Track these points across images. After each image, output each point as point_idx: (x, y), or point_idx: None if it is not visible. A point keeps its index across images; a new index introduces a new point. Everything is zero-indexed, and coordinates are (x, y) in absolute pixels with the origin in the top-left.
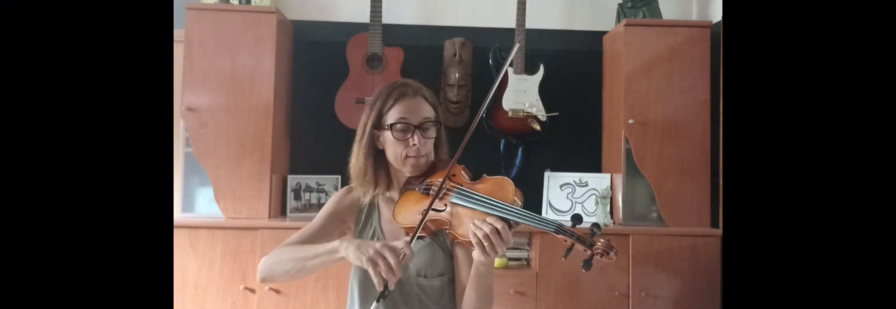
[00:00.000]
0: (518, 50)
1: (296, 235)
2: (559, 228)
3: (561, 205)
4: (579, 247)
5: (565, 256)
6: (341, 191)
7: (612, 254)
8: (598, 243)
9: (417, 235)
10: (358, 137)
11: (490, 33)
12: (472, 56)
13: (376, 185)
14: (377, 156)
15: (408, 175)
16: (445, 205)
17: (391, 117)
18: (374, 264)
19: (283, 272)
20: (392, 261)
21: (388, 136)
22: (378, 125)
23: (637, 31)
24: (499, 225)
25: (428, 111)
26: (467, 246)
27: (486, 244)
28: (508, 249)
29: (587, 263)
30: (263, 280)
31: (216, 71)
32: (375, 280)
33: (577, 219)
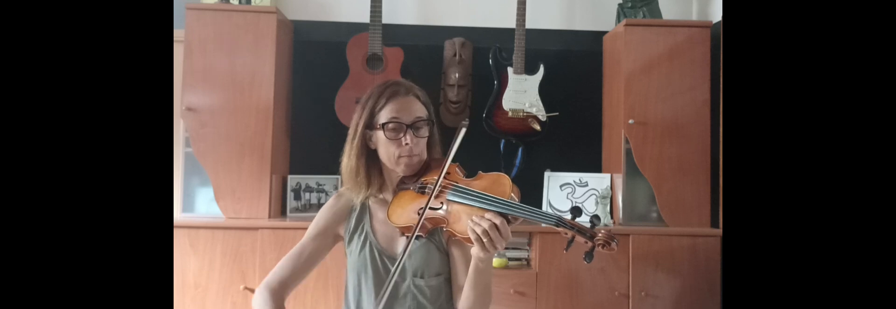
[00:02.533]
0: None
1: (288, 263)
2: (559, 221)
3: (561, 205)
4: (580, 239)
5: (567, 249)
6: (329, 201)
7: (613, 244)
8: (599, 234)
9: (415, 234)
10: (350, 137)
11: (490, 33)
12: (472, 56)
13: (369, 185)
14: (369, 156)
15: (401, 175)
16: (442, 203)
17: (383, 116)
18: None
19: None
20: None
21: (380, 136)
22: (370, 125)
23: (637, 31)
24: (497, 220)
25: (420, 110)
26: (466, 243)
27: (485, 240)
28: (508, 248)
29: (588, 255)
30: None
31: (216, 71)
32: None
33: (576, 211)
